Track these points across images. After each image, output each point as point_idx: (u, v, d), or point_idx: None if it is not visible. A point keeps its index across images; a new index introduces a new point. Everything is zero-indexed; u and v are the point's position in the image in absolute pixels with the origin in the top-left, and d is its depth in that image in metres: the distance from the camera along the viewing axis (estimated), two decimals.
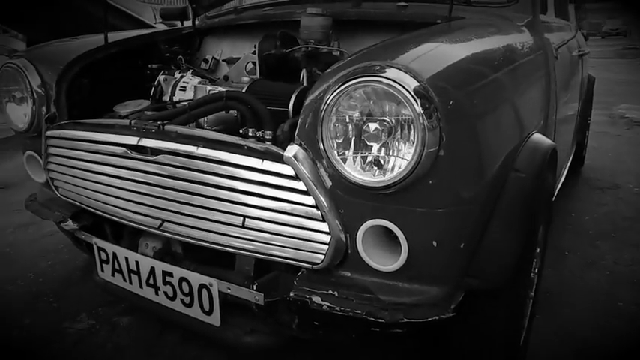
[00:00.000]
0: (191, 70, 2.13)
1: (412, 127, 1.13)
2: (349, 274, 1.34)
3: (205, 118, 1.72)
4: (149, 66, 2.21)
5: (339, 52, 1.94)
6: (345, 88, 1.17)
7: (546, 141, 1.57)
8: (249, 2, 2.68)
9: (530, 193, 1.38)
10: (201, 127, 1.71)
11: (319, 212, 1.29)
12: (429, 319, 1.24)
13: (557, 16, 2.95)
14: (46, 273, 2.49)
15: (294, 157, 1.28)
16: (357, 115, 1.19)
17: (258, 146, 1.35)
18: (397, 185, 1.17)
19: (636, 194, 3.60)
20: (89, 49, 2.01)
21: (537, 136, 1.55)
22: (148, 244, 1.69)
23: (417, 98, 1.11)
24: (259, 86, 1.70)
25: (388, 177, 1.17)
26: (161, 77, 2.03)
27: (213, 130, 1.64)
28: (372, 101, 1.17)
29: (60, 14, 4.56)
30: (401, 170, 1.15)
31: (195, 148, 1.42)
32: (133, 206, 1.59)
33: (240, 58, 2.21)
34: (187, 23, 2.58)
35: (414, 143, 1.13)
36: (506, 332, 1.46)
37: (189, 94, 1.98)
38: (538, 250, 1.77)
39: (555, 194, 2.39)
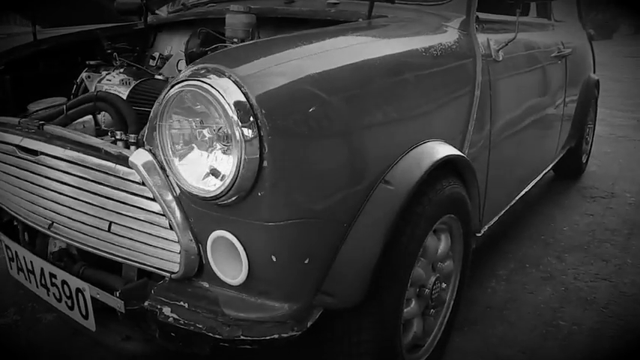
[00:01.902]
0: (123, 68, 2.10)
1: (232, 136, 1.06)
2: (207, 286, 1.29)
3: (103, 118, 1.69)
4: (87, 63, 2.21)
5: None
6: (176, 91, 1.11)
7: (439, 152, 1.44)
8: None
9: (399, 206, 1.27)
10: (99, 127, 1.69)
11: (167, 221, 1.24)
12: (269, 337, 1.17)
13: (539, 15, 2.80)
14: None
15: (140, 162, 1.22)
16: (189, 120, 1.13)
17: (113, 150, 1.31)
18: (225, 196, 1.10)
19: (630, 204, 3.37)
20: (15, 46, 2.01)
21: (426, 147, 1.42)
22: (56, 244, 1.68)
23: (232, 106, 1.04)
24: (145, 86, 1.65)
25: (215, 187, 1.10)
26: (84, 75, 2.01)
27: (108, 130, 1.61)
28: (200, 106, 1.10)
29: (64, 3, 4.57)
30: (223, 181, 1.08)
31: (64, 149, 1.40)
32: (29, 205, 1.59)
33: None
34: None
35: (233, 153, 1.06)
36: (377, 353, 1.36)
37: None
38: (446, 264, 1.66)
39: (505, 210, 2.24)
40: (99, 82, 1.99)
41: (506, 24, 2.10)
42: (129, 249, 1.36)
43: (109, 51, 2.28)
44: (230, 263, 1.20)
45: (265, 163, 1.06)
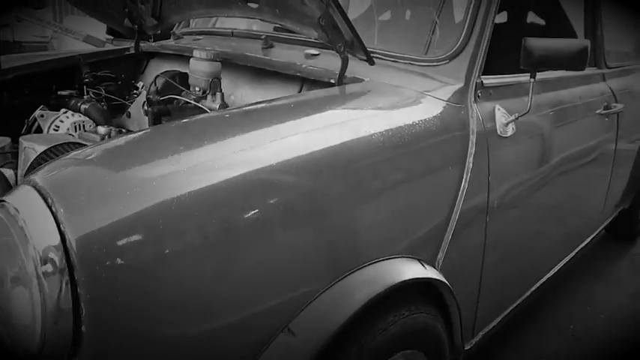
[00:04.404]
0: (89, 104, 1.89)
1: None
2: None
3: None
4: (58, 93, 2.03)
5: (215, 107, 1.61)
6: None
7: (382, 279, 1.10)
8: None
9: None
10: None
11: None
12: None
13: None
14: None
15: None
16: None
17: None
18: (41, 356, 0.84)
19: None
20: None
21: (361, 275, 1.07)
22: None
23: (34, 242, 0.77)
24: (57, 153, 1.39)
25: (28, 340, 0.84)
26: (37, 113, 1.82)
27: None
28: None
29: None
30: (31, 342, 0.82)
31: None
32: None
33: None
34: None
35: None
36: None
37: None
38: None
39: (512, 307, 1.84)
40: (52, 123, 1.80)
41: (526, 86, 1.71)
42: None
43: (87, 80, 2.10)
44: None
45: (84, 328, 0.79)
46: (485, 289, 1.58)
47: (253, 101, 1.75)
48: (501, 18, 2.50)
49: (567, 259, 2.23)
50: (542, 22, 2.69)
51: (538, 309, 2.47)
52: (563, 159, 1.91)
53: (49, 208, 0.80)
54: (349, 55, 1.44)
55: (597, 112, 2.18)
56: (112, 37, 5.88)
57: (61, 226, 0.78)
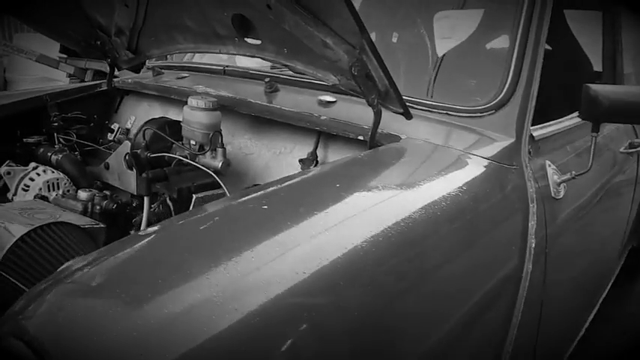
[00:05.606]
0: (61, 154, 1.62)
1: None
2: None
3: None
4: (24, 140, 1.74)
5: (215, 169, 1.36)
6: None
7: None
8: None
9: None
10: None
11: None
12: None
13: None
14: None
15: None
16: None
17: None
18: None
19: None
20: None
21: None
22: None
23: None
24: (37, 239, 1.09)
25: None
26: (3, 170, 1.53)
27: None
28: None
29: None
30: None
31: None
32: None
33: None
34: None
35: None
36: None
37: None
38: None
39: None
40: (21, 181, 1.52)
41: (572, 132, 1.52)
42: None
43: (56, 124, 1.82)
44: None
45: None
46: None
47: (256, 153, 1.52)
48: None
49: (596, 308, 2.05)
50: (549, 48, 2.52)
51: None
52: (598, 207, 1.72)
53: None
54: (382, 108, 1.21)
55: (621, 150, 2.00)
56: (65, 56, 5.52)
57: None
